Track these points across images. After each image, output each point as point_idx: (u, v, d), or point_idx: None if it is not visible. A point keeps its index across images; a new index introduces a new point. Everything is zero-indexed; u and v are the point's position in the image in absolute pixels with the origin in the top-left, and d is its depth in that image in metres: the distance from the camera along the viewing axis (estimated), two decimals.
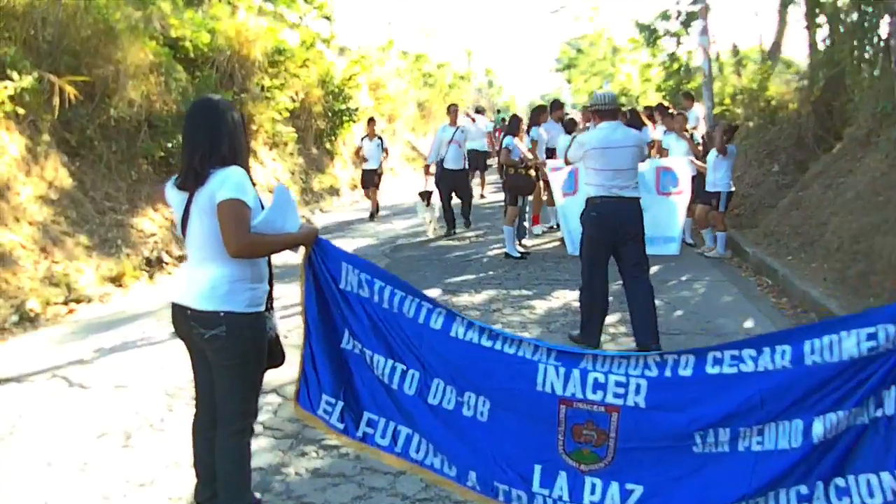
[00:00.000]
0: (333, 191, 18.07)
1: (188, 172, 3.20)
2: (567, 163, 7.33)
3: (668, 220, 10.01)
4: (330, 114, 18.48)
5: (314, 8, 21.34)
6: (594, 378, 3.09)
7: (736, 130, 10.47)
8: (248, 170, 3.29)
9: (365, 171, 14.48)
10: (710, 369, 3.00)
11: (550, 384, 3.14)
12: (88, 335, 7.00)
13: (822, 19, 12.03)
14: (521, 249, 10.41)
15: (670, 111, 11.40)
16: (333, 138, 19.07)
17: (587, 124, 11.71)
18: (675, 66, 20.83)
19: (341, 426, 3.45)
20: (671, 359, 3.06)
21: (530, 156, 10.38)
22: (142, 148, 10.97)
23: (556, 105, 12.42)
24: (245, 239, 3.09)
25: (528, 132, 11.24)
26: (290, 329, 5.57)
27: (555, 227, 12.39)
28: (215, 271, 3.22)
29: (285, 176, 15.84)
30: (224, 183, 3.11)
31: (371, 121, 14.96)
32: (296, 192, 15.87)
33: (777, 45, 18.51)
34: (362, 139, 14.59)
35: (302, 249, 3.45)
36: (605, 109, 6.39)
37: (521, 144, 10.23)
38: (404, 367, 3.39)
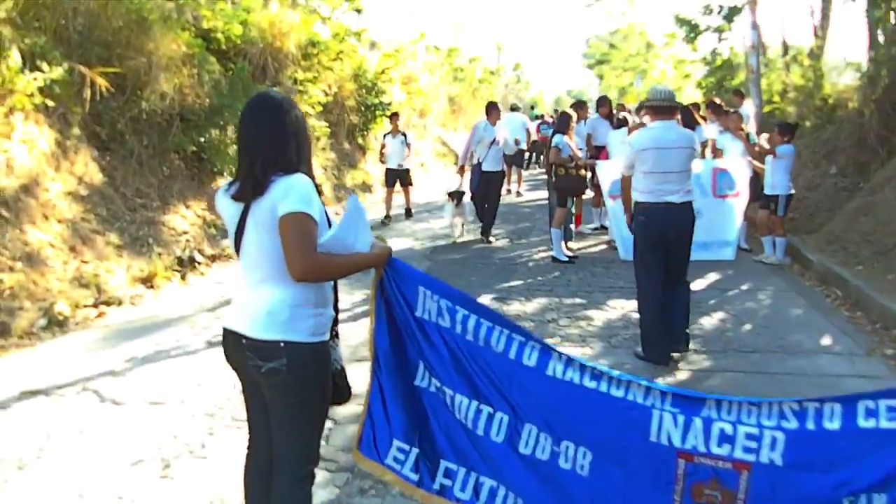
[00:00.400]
0: (366, 187, 17.67)
1: (246, 181, 2.75)
2: (624, 183, 6.30)
3: (724, 223, 9.55)
4: (363, 108, 18.05)
5: (345, 0, 20.95)
6: (720, 428, 2.63)
7: (796, 129, 9.87)
8: (313, 178, 2.85)
9: (388, 171, 13.59)
10: (863, 422, 2.52)
11: (667, 434, 2.67)
12: (120, 342, 6.61)
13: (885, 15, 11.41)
14: (569, 253, 9.92)
15: (724, 109, 10.86)
16: (366, 133, 18.63)
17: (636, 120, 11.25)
18: (719, 61, 20.21)
19: (415, 477, 2.99)
20: (812, 408, 2.59)
21: (580, 154, 9.89)
22: (173, 142, 10.59)
23: (602, 101, 11.91)
24: (311, 260, 2.65)
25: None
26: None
27: (599, 228, 11.91)
28: (275, 295, 2.78)
29: (318, 172, 15.42)
30: (288, 193, 2.67)
31: (395, 116, 14.28)
32: (328, 189, 15.47)
33: (822, 43, 17.87)
34: (385, 136, 13.86)
35: (372, 271, 3.01)
36: (661, 106, 5.96)
37: (571, 143, 9.74)
38: (491, 410, 2.93)
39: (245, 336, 2.80)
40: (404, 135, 13.63)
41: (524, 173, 19.02)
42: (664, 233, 5.82)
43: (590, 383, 2.79)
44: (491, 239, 11.32)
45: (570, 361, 2.85)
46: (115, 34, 9.84)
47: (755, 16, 15.68)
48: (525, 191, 17.98)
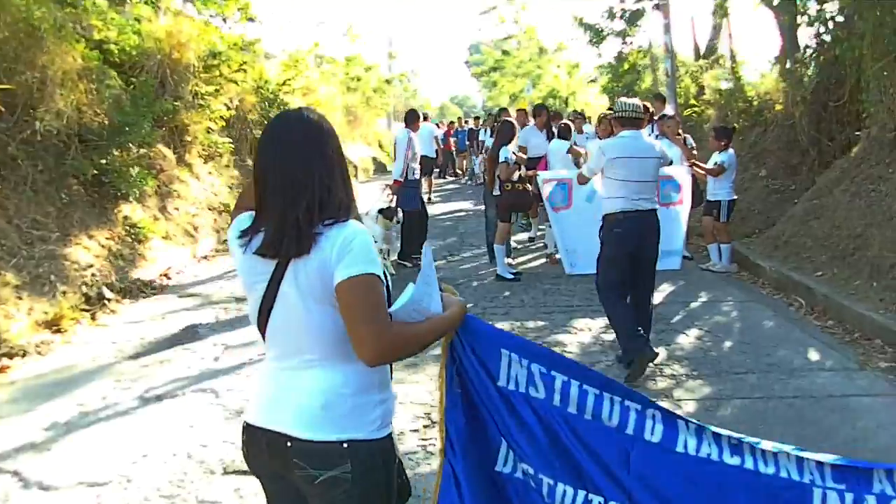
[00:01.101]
0: None
1: (281, 232, 2.05)
2: (582, 180, 6.83)
3: (670, 232, 9.19)
4: (265, 122, 17.07)
5: (238, 9, 19.89)
6: None
7: (733, 133, 9.67)
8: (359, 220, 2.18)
9: None
10: None
11: None
12: (33, 404, 5.66)
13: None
14: (513, 270, 9.38)
15: (662, 115, 10.60)
16: None
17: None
18: (626, 65, 20.17)
19: None
20: None
21: (524, 161, 9.45)
22: (72, 166, 9.50)
23: (540, 109, 11.42)
24: (389, 337, 2.00)
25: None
26: None
27: (533, 240, 11.46)
28: (330, 381, 2.11)
29: (223, 191, 14.44)
30: (346, 250, 2.00)
31: None
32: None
33: (713, 44, 18.09)
34: None
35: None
36: (627, 117, 5.99)
37: (516, 155, 9.24)
38: (602, 500, 2.30)
39: (290, 437, 2.09)
40: None
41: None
42: (639, 244, 5.86)
43: (732, 459, 2.21)
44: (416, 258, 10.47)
45: (701, 431, 2.27)
46: (1, 46, 8.73)
47: (668, 18, 15.63)
48: (437, 200, 17.43)
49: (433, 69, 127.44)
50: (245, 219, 2.20)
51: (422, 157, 14.23)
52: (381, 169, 35.25)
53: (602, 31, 20.79)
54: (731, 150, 9.42)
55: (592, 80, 25.36)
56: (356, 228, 2.05)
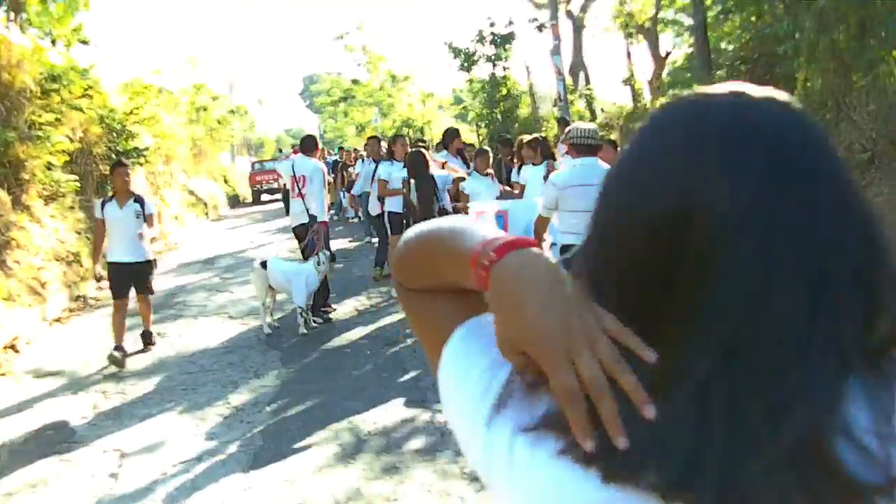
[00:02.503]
0: None
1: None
2: (542, 225, 5.88)
3: None
4: (114, 155, 14.89)
5: (73, 31, 17.58)
6: None
7: None
8: None
9: (113, 267, 7.43)
10: None
11: None
12: None
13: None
14: None
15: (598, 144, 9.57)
16: None
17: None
18: (503, 90, 19.32)
19: None
20: None
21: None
22: None
23: (452, 134, 10.12)
24: None
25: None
26: None
27: None
28: None
29: (70, 238, 12.27)
30: None
31: (119, 168, 7.82)
32: (85, 258, 12.34)
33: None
34: (103, 204, 7.59)
35: None
36: (584, 144, 5.65)
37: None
38: None
39: None
40: (139, 200, 7.58)
41: None
42: None
43: None
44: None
45: None
46: None
47: (559, 38, 14.85)
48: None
49: (268, 101, 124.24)
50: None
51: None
52: (234, 202, 33.21)
53: (473, 54, 19.95)
54: None
55: (465, 107, 24.41)
56: None
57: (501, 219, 8.25)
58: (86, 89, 13.32)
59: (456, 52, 20.09)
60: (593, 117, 15.66)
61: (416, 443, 5.02)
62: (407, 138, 10.50)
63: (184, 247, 17.27)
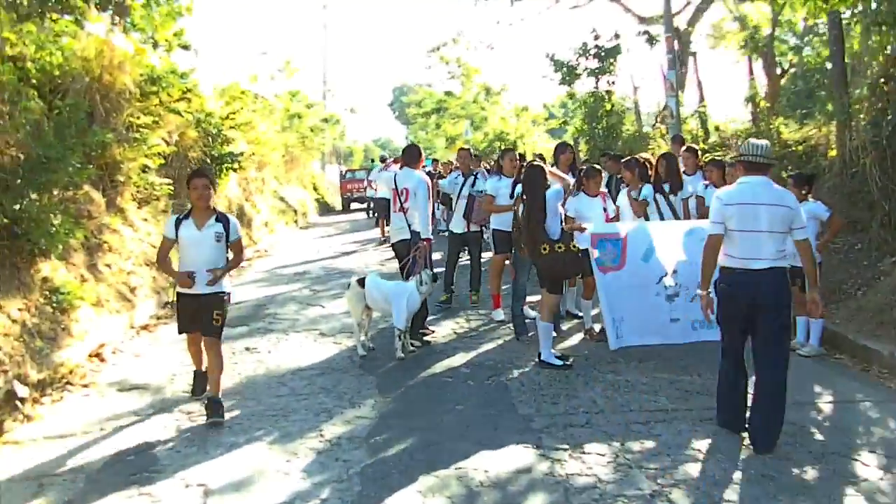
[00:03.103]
0: None
1: None
2: (714, 243, 5.34)
3: None
4: (208, 160, 14.73)
5: (174, 35, 17.53)
6: None
7: (813, 180, 7.98)
8: None
9: (182, 300, 6.17)
10: None
11: None
12: None
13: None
14: (557, 353, 7.30)
15: (720, 161, 8.85)
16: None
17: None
18: (608, 105, 18.54)
19: None
20: None
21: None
22: None
23: (562, 148, 9.35)
24: None
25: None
26: None
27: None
28: None
29: (157, 240, 12.03)
30: None
31: (197, 179, 6.07)
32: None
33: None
34: (177, 221, 6.12)
35: None
36: (754, 162, 5.29)
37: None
38: None
39: None
40: (223, 218, 6.12)
41: None
42: (751, 302, 5.16)
43: None
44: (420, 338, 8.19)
45: None
46: None
47: (672, 51, 14.02)
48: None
49: (359, 110, 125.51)
50: None
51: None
52: (324, 210, 33.35)
53: (576, 68, 19.23)
54: (818, 201, 7.66)
55: (564, 122, 23.66)
56: None
57: (620, 244, 7.58)
58: (184, 92, 13.14)
59: (558, 64, 19.41)
60: (707, 136, 14.75)
61: (537, 500, 4.37)
62: (517, 153, 9.77)
63: (274, 254, 17.03)
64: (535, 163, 7.89)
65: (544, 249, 7.06)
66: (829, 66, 13.01)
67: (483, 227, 10.21)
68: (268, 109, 26.43)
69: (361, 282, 7.54)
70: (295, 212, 26.36)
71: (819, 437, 5.33)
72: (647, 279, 7.54)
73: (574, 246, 7.31)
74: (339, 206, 36.06)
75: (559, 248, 7.07)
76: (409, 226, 7.98)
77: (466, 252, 10.26)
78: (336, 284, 11.66)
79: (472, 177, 10.27)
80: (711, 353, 7.25)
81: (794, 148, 11.21)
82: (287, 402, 6.25)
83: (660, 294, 7.55)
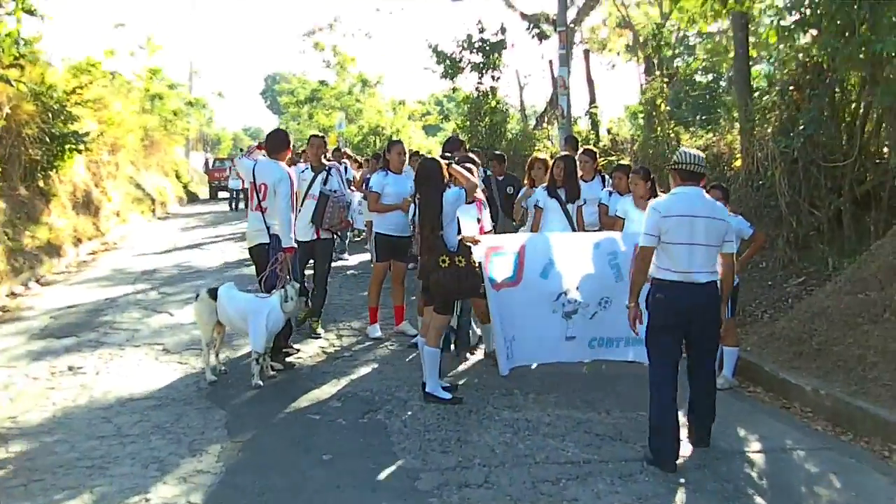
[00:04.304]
0: (53, 249, 12.52)
1: None
2: (645, 256, 5.09)
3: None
4: (48, 139, 12.93)
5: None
6: None
7: (727, 191, 7.30)
8: None
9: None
10: None
11: None
12: None
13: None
14: (445, 383, 6.25)
15: (626, 166, 8.04)
16: (51, 173, 13.48)
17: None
18: (492, 102, 17.71)
19: None
20: None
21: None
22: None
23: (456, 143, 8.29)
24: None
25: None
26: None
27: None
28: None
29: None
30: None
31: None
32: (0, 252, 10.39)
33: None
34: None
35: None
36: (689, 171, 5.08)
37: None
38: None
39: None
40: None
41: None
42: (689, 316, 5.03)
43: None
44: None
45: None
46: None
47: (566, 47, 13.26)
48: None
49: (228, 96, 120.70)
50: None
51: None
52: (190, 198, 31.60)
53: (459, 61, 18.35)
54: (738, 216, 6.94)
55: (445, 118, 22.77)
56: None
57: (518, 256, 6.64)
58: (17, 58, 11.38)
59: (441, 56, 18.45)
60: (598, 139, 14.12)
61: None
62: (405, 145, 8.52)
63: (123, 247, 15.36)
64: (432, 156, 6.81)
65: (443, 262, 5.98)
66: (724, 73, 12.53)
67: (337, 235, 8.44)
68: (125, 88, 24.28)
69: (213, 293, 6.25)
70: (153, 200, 24.38)
71: (760, 500, 4.49)
72: (544, 296, 6.67)
73: (473, 261, 6.26)
74: (204, 195, 34.81)
75: (459, 261, 6.02)
76: (268, 228, 6.65)
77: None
78: (189, 287, 10.23)
79: (325, 172, 8.09)
80: (613, 382, 6.48)
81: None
82: (109, 447, 4.90)
83: (556, 311, 6.71)
